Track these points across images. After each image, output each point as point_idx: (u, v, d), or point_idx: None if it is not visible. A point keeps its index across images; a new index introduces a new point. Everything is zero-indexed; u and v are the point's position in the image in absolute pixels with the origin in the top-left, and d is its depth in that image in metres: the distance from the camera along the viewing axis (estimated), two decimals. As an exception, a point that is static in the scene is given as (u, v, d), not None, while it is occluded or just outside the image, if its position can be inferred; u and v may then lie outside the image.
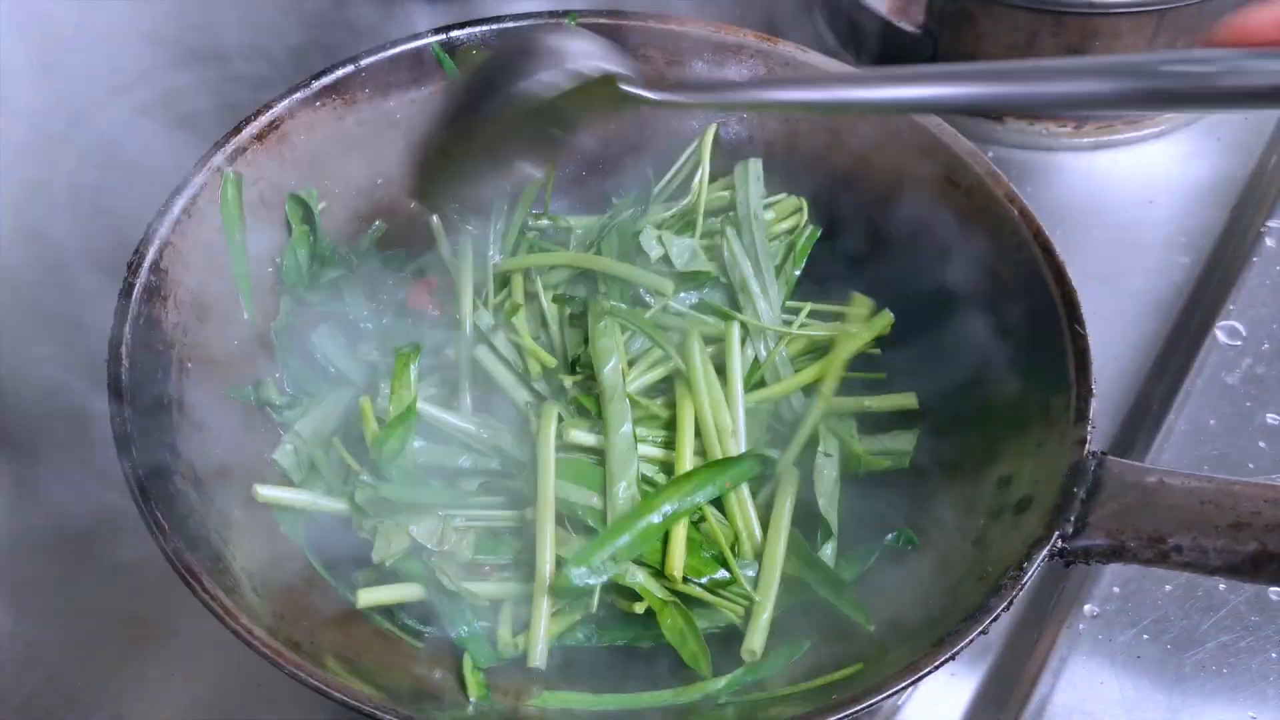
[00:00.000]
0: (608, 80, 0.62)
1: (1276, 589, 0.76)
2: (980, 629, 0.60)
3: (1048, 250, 0.74)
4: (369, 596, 0.70)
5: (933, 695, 0.76)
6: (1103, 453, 0.65)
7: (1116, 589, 0.77)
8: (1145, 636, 0.76)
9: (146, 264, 0.72)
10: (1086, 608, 0.77)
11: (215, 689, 0.75)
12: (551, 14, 0.88)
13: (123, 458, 0.63)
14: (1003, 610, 0.60)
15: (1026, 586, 0.61)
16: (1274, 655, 0.74)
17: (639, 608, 0.69)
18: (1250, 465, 0.83)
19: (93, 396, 0.65)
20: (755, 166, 0.87)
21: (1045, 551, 0.62)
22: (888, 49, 1.06)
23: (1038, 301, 0.73)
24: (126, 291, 0.70)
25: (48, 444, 0.72)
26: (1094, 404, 0.67)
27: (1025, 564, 0.62)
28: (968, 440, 0.75)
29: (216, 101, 0.78)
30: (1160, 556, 0.61)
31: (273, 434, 0.77)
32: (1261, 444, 0.84)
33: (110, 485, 0.62)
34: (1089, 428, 0.66)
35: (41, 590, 0.79)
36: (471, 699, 0.66)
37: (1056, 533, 0.62)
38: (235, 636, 0.58)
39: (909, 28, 1.05)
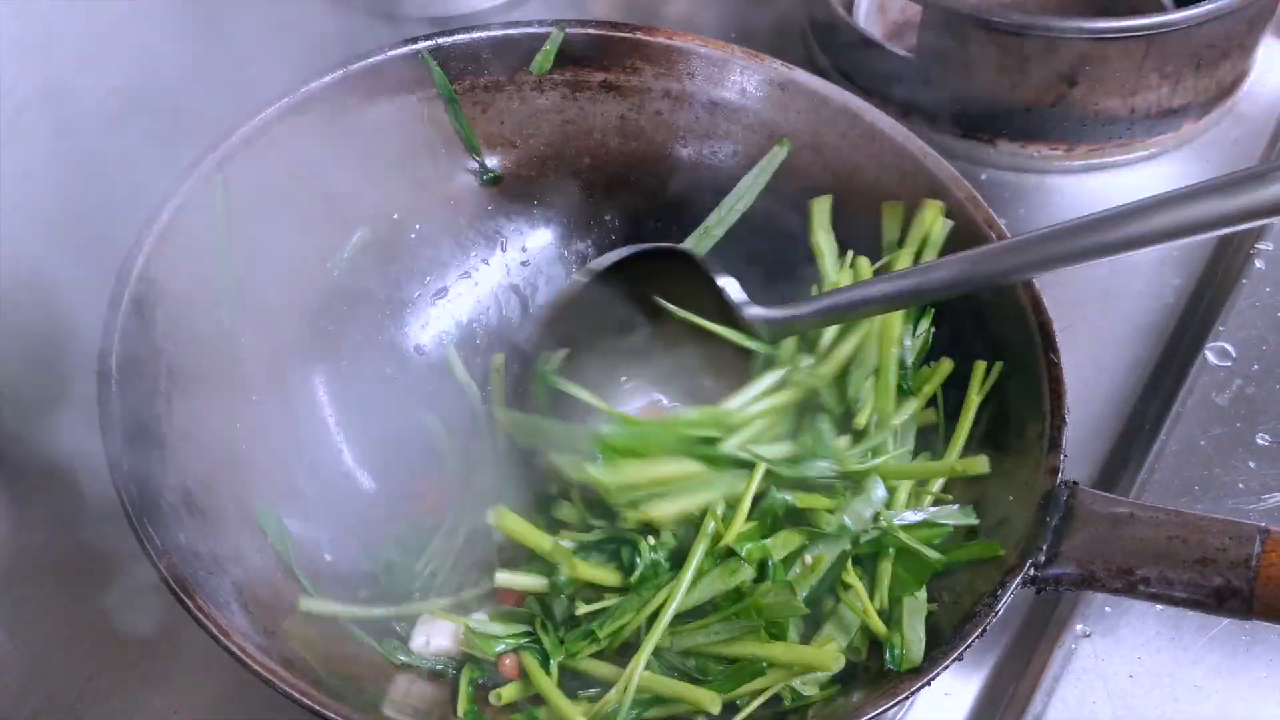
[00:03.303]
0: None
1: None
2: (955, 655, 0.62)
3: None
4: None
5: (927, 715, 0.77)
6: (1074, 483, 0.67)
7: (1109, 609, 0.79)
8: (1138, 656, 0.77)
9: (135, 273, 0.72)
10: (1079, 627, 0.78)
11: (215, 706, 0.75)
12: (540, 23, 0.89)
13: (113, 472, 0.64)
14: (977, 637, 0.62)
15: (1003, 611, 0.63)
16: (1264, 674, 0.76)
17: None
18: (1240, 485, 0.85)
19: (87, 412, 0.65)
20: None
21: (1018, 579, 0.64)
22: (880, 73, 1.07)
23: (1014, 329, 0.74)
24: (115, 301, 0.70)
25: (43, 462, 0.72)
26: (1067, 433, 0.69)
27: (999, 591, 0.64)
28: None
29: (220, 124, 0.79)
30: (1128, 587, 0.63)
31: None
32: (1251, 464, 0.86)
33: (105, 502, 0.62)
34: (1061, 456, 0.68)
35: (42, 610, 0.80)
36: (459, 713, 0.68)
37: (1029, 561, 0.64)
38: (229, 655, 0.59)
39: (902, 52, 1.06)
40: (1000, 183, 1.07)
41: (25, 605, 0.81)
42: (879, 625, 0.68)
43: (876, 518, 0.71)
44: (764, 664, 0.67)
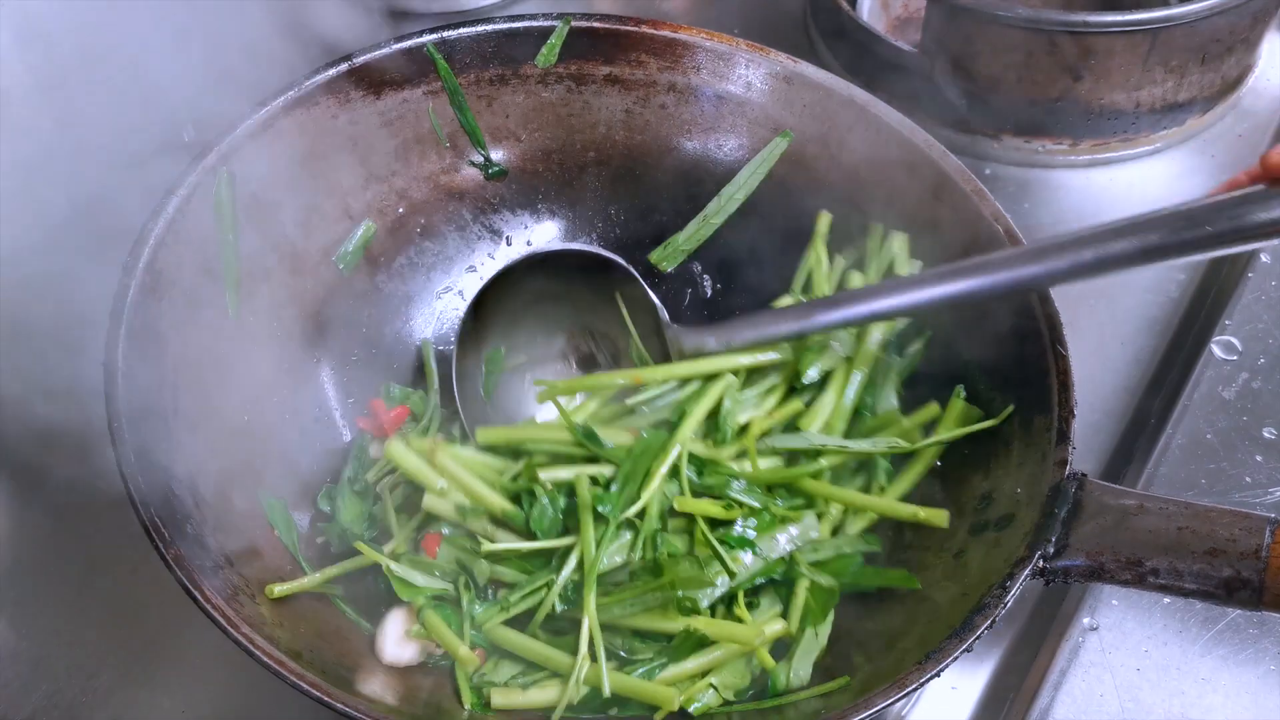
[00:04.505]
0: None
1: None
2: (964, 647, 0.61)
3: (1032, 270, 0.76)
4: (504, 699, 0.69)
5: (934, 708, 0.77)
6: (1083, 474, 0.67)
7: (1115, 602, 0.79)
8: (1144, 649, 0.77)
9: (141, 264, 0.72)
10: (1085, 620, 0.78)
11: (218, 701, 0.75)
12: (545, 16, 0.88)
13: (121, 464, 0.63)
14: (986, 628, 0.62)
15: (1011, 603, 0.63)
16: (1273, 667, 0.76)
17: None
18: (1247, 479, 0.85)
19: (92, 406, 0.65)
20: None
21: (1027, 571, 0.64)
22: (884, 68, 1.07)
23: (1021, 321, 0.74)
24: (122, 293, 0.70)
25: (49, 457, 0.72)
26: (1074, 425, 0.69)
27: (1008, 582, 0.63)
28: (950, 456, 0.77)
29: (223, 119, 0.78)
30: (1138, 579, 0.62)
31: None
32: (1258, 457, 0.86)
33: (111, 498, 0.62)
34: (1070, 449, 0.68)
35: (44, 607, 0.80)
36: (466, 707, 0.68)
37: (1038, 552, 0.64)
38: (237, 646, 0.59)
39: (906, 47, 1.06)
40: (1005, 177, 1.07)
41: (29, 601, 0.81)
42: (767, 660, 0.70)
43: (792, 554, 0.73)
44: (696, 636, 0.69)
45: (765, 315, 0.80)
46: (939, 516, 0.73)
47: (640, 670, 0.69)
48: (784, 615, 0.73)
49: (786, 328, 0.78)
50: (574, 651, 0.68)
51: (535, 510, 0.72)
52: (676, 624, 0.69)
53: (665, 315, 0.82)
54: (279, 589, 0.69)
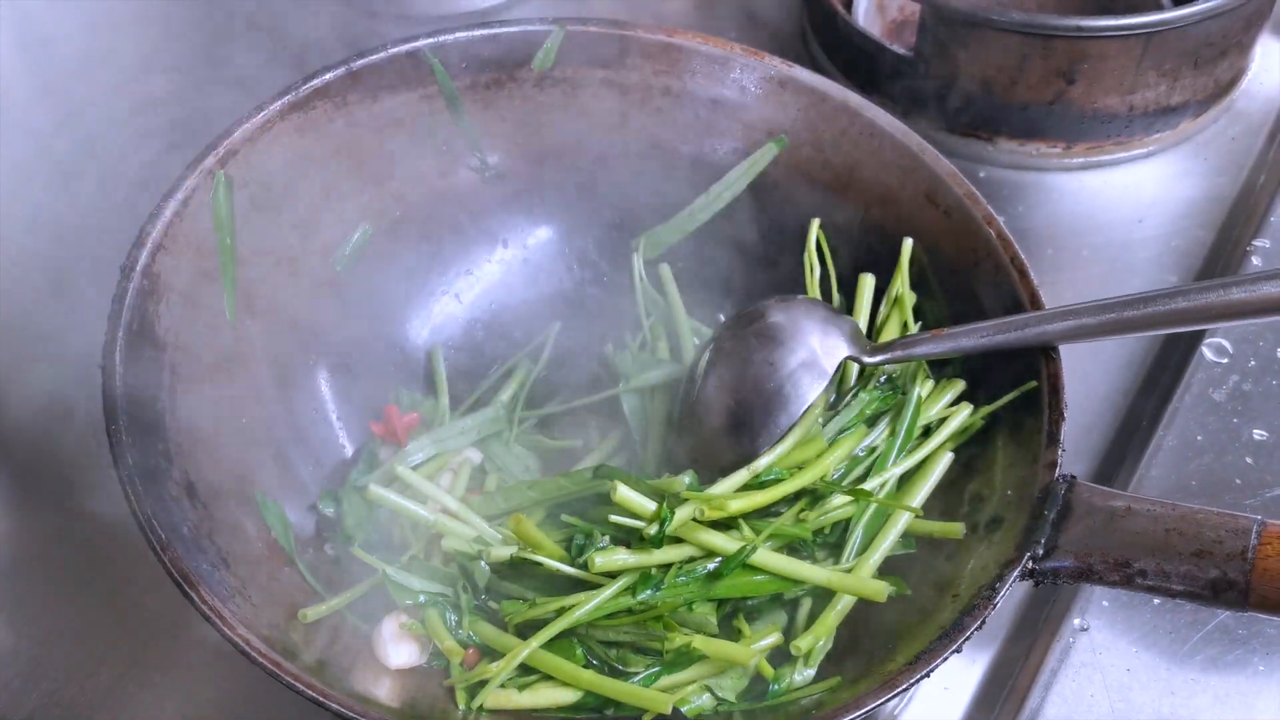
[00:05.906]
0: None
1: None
2: (954, 647, 0.62)
3: (1023, 273, 0.76)
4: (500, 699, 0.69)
5: (926, 708, 0.78)
6: (1072, 476, 0.67)
7: (1105, 603, 0.79)
8: (1134, 650, 0.78)
9: (139, 267, 0.72)
10: (1076, 621, 0.79)
11: (217, 701, 0.76)
12: (541, 21, 0.89)
13: (118, 466, 0.64)
14: (975, 629, 0.63)
15: (1001, 604, 0.63)
16: (1261, 668, 0.77)
17: None
18: (1237, 481, 0.85)
19: (90, 407, 0.66)
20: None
21: (1016, 572, 0.64)
22: (879, 71, 1.08)
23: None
24: (120, 296, 0.71)
25: (47, 458, 0.72)
26: (1065, 428, 0.69)
27: (997, 584, 0.64)
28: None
29: (222, 122, 0.79)
30: (1125, 580, 0.63)
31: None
32: (1248, 459, 0.86)
33: (109, 498, 0.63)
34: (1060, 451, 0.68)
35: (43, 606, 0.81)
36: (460, 708, 0.68)
37: (1027, 554, 0.65)
38: (234, 647, 0.60)
39: (901, 50, 1.07)
40: (999, 180, 1.08)
41: (27, 601, 0.81)
42: (767, 668, 0.69)
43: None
44: (692, 652, 0.69)
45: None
46: (952, 529, 0.71)
47: (636, 679, 0.69)
48: (790, 624, 0.73)
49: None
50: (568, 656, 0.68)
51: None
52: (672, 640, 0.68)
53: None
54: (310, 614, 0.69)
